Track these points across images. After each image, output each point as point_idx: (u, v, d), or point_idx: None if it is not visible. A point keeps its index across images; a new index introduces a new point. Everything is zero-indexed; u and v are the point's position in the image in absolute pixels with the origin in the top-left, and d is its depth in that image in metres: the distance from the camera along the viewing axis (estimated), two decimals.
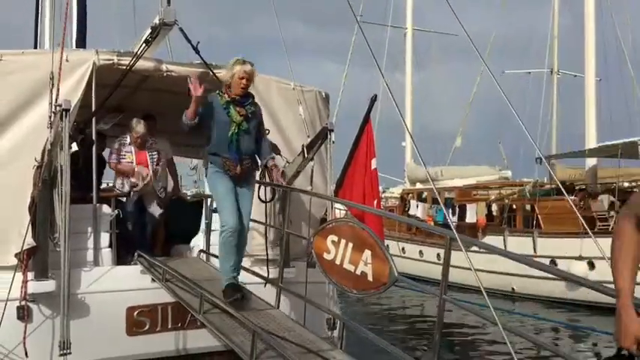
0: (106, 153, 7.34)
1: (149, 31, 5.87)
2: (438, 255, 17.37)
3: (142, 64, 5.97)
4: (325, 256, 4.35)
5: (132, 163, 6.65)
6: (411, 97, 28.40)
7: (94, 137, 6.26)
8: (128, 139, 6.71)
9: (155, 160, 6.79)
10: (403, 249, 20.96)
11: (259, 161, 5.24)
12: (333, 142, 5.86)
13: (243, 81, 4.97)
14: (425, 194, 23.15)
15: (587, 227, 5.62)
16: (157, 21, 5.80)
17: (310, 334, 4.50)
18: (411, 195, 23.88)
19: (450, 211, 19.61)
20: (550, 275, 11.96)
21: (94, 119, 6.20)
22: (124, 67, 5.84)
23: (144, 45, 5.85)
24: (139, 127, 6.69)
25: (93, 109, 5.99)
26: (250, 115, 5.08)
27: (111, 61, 5.83)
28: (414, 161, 26.62)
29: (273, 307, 4.98)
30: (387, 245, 21.60)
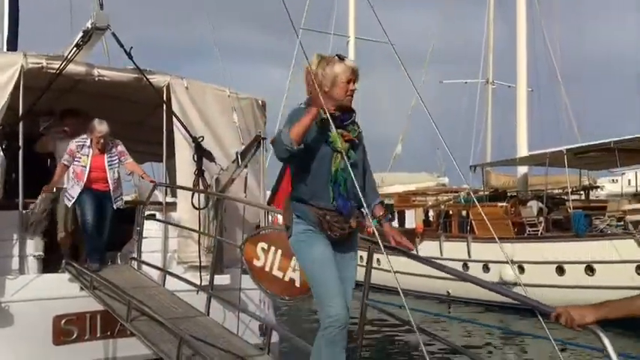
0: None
1: (80, 35, 5.82)
2: (378, 260, 17.66)
3: (73, 68, 5.90)
4: (255, 262, 4.43)
5: (85, 167, 6.06)
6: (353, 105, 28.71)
7: (20, 142, 6.10)
8: (88, 141, 6.12)
9: (115, 166, 6.23)
10: None
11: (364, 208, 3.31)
12: (267, 150, 5.93)
13: (351, 86, 3.23)
14: None
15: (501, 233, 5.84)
16: (89, 25, 5.76)
17: (239, 340, 4.55)
18: None
19: (390, 216, 19.99)
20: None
21: (21, 123, 6.04)
22: (54, 71, 5.74)
23: (75, 49, 5.79)
24: (102, 126, 6.09)
25: (20, 113, 5.85)
26: (357, 141, 3.32)
27: (39, 65, 5.74)
28: None
29: (203, 314, 5.00)
30: None
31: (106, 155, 6.17)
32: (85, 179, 5.99)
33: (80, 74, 6.07)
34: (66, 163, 6.09)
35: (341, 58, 3.25)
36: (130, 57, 5.96)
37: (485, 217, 9.77)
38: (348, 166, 3.12)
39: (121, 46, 5.92)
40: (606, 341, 2.29)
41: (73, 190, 6.01)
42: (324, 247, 3.17)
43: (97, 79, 6.14)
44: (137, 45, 6.03)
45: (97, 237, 6.00)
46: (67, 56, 5.75)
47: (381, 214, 3.42)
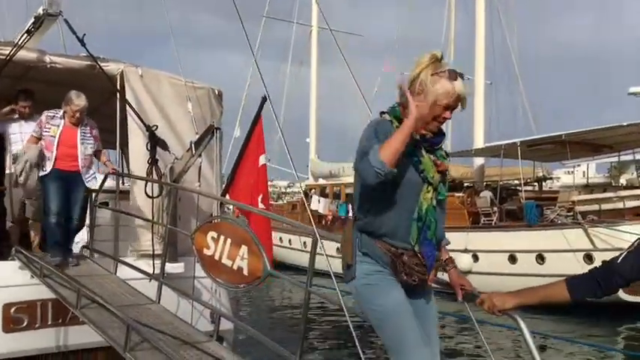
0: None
1: (32, 21, 5.76)
2: (337, 249, 17.86)
3: (24, 54, 5.83)
4: (205, 251, 4.50)
5: (54, 138, 5.70)
6: (315, 94, 28.89)
7: None
8: (60, 113, 5.82)
9: (89, 141, 5.90)
10: (304, 243, 21.38)
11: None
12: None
13: (447, 114, 2.61)
14: (327, 189, 23.70)
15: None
16: (40, 11, 5.70)
17: (189, 327, 4.63)
18: (313, 190, 24.35)
19: (350, 205, 20.24)
20: None
21: None
22: (4, 57, 5.67)
23: (25, 35, 5.73)
24: (80, 100, 5.78)
25: None
26: (446, 171, 2.74)
27: None
28: (317, 157, 27.13)
29: (154, 301, 5.06)
30: (290, 239, 22.04)
31: (79, 129, 5.85)
32: (54, 151, 5.66)
33: (32, 61, 6.01)
34: (34, 134, 5.79)
35: (453, 77, 2.56)
36: (83, 44, 5.92)
37: (459, 204, 10.06)
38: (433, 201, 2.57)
39: (74, 32, 5.88)
40: (522, 324, 2.49)
41: (44, 164, 5.70)
42: (401, 293, 2.58)
43: (49, 66, 6.07)
44: (98, 31, 6.01)
45: (60, 228, 5.73)
46: (17, 42, 5.68)
47: (447, 257, 2.88)
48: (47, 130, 5.74)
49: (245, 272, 4.16)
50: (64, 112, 5.80)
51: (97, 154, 6.10)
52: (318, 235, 3.33)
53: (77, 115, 5.79)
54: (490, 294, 2.55)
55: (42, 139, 5.78)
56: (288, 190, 38.22)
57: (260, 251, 4.07)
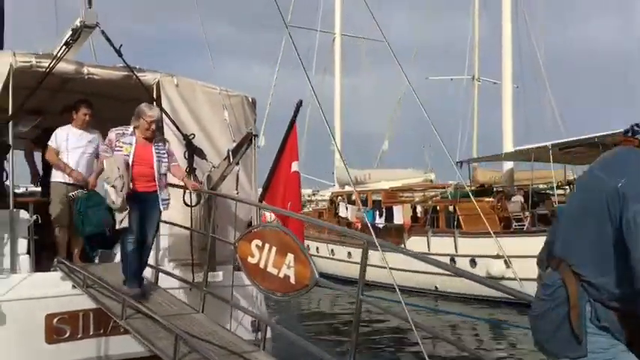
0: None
1: (70, 33, 5.79)
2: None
3: (63, 66, 5.86)
4: (249, 259, 4.46)
5: (128, 156, 5.20)
6: (340, 101, 28.85)
7: (10, 141, 6.06)
8: (130, 130, 5.35)
9: (164, 159, 5.38)
10: (332, 251, 21.27)
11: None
12: (259, 146, 5.95)
13: None
14: (354, 197, 23.59)
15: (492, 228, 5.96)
16: (78, 23, 5.73)
17: (233, 336, 4.59)
18: (340, 197, 24.25)
19: (377, 212, 20.10)
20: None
21: (10, 123, 6.00)
22: (43, 70, 5.71)
23: (64, 47, 5.76)
24: (153, 111, 5.35)
25: (10, 112, 5.81)
26: None
27: (29, 64, 5.70)
28: (342, 164, 27.04)
29: (197, 311, 5.02)
30: (317, 247, 21.95)
31: (153, 146, 5.35)
32: (129, 171, 5.17)
33: (70, 73, 6.04)
34: (106, 154, 5.29)
35: None
36: (120, 55, 5.93)
37: (490, 209, 9.84)
38: None
39: (111, 44, 5.89)
40: None
41: (121, 184, 5.04)
42: None
43: (86, 77, 6.10)
44: (124, 41, 5.98)
45: (140, 257, 5.29)
46: (56, 54, 5.71)
47: None
48: (119, 149, 5.26)
49: (292, 280, 4.10)
50: (135, 128, 5.37)
51: (172, 170, 5.60)
52: (377, 244, 3.25)
53: (152, 126, 5.35)
54: None
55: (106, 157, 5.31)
56: (313, 197, 38.13)
57: (307, 259, 4.01)
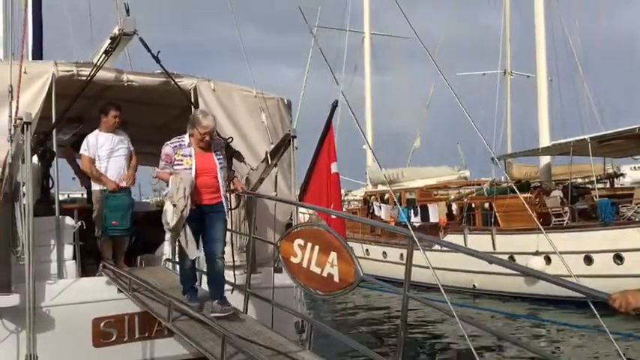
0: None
1: (109, 41, 5.89)
2: (402, 255, 17.65)
3: (103, 74, 5.96)
4: (292, 259, 4.45)
5: (190, 169, 4.96)
6: (370, 100, 28.77)
7: (54, 149, 6.20)
8: (186, 140, 5.11)
9: (223, 164, 5.19)
10: (367, 250, 21.19)
11: None
12: (296, 147, 5.95)
13: None
14: (387, 196, 23.48)
15: (539, 224, 5.84)
16: (116, 31, 5.83)
17: (279, 336, 4.59)
18: (373, 197, 24.16)
19: (412, 211, 19.97)
20: (508, 271, 12.32)
21: (54, 131, 6.14)
22: (84, 78, 5.82)
23: (103, 55, 5.86)
24: (208, 120, 5.02)
25: (53, 120, 5.94)
26: None
27: (70, 73, 5.82)
28: (375, 163, 26.97)
29: (241, 312, 5.05)
30: (352, 247, 21.86)
31: (213, 154, 5.11)
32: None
33: (109, 80, 6.15)
34: (166, 171, 5.04)
35: None
36: (158, 61, 6.01)
37: (527, 205, 9.65)
38: None
39: (149, 50, 5.97)
40: None
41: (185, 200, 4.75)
42: None
43: (126, 84, 6.21)
44: (157, 48, 6.01)
45: (195, 271, 5.16)
46: (96, 63, 5.82)
47: None
48: (179, 162, 4.98)
49: (336, 279, 4.08)
50: (190, 136, 5.09)
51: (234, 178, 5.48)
52: (414, 237, 3.21)
53: (206, 138, 5.02)
54: (624, 292, 2.39)
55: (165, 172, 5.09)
56: (345, 197, 38.10)
57: (351, 257, 3.99)
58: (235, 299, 5.37)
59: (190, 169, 4.97)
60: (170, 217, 4.75)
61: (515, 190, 7.28)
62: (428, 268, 4.27)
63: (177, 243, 5.09)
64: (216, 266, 5.04)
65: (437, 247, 7.04)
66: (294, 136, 5.73)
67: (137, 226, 6.45)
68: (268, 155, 5.84)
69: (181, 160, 4.99)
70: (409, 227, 4.22)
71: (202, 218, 4.99)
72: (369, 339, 11.10)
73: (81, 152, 6.28)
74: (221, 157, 5.15)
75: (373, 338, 11.23)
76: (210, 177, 5.07)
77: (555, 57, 21.34)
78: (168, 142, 5.14)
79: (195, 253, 4.92)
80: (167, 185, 5.07)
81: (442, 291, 3.11)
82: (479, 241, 16.39)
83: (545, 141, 19.14)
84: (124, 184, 6.23)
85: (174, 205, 4.71)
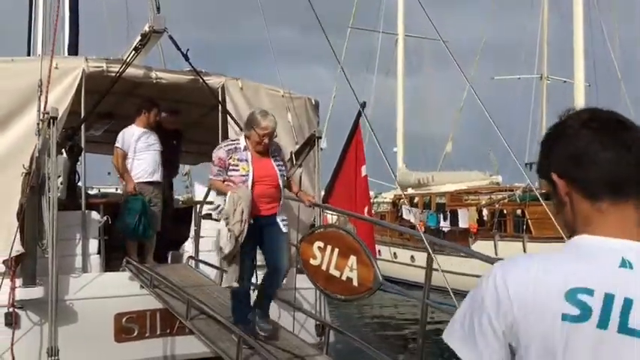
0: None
1: (139, 38, 5.93)
2: (412, 257, 17.46)
3: (132, 71, 6.01)
4: (311, 261, 4.40)
5: (247, 176, 4.42)
6: (402, 103, 28.55)
7: (82, 144, 6.27)
8: (242, 143, 4.58)
9: (284, 171, 4.64)
10: (395, 254, 21.00)
11: None
12: (322, 148, 5.90)
13: None
14: (416, 199, 23.25)
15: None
16: (146, 28, 5.87)
17: (296, 339, 4.55)
18: (402, 200, 23.96)
19: (442, 216, 19.71)
20: None
21: (82, 126, 6.22)
22: (114, 75, 5.87)
23: (133, 52, 5.91)
24: (267, 119, 4.48)
25: (82, 116, 6.02)
26: None
27: (100, 69, 5.87)
28: (405, 167, 26.75)
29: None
30: (379, 250, 21.76)
31: (272, 160, 4.57)
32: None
33: (139, 77, 6.19)
34: (219, 178, 4.51)
35: None
36: (187, 59, 6.03)
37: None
38: None
39: (178, 48, 6.00)
40: None
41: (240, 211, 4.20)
42: None
43: (154, 81, 6.24)
44: (187, 47, 6.04)
45: (248, 294, 4.60)
46: (126, 59, 5.86)
47: None
48: (235, 168, 4.43)
49: (355, 283, 4.02)
50: (246, 138, 4.58)
51: (292, 182, 5.05)
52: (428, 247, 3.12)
53: (265, 140, 4.47)
54: None
55: (219, 179, 4.54)
56: (374, 200, 37.94)
57: (371, 261, 3.93)
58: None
59: (247, 175, 4.42)
60: (224, 242, 4.23)
61: (539, 198, 7.03)
62: (451, 273, 4.15)
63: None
64: (279, 279, 4.57)
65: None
66: (320, 137, 5.68)
67: (164, 222, 6.49)
68: (293, 155, 5.80)
69: (237, 166, 4.42)
70: (421, 232, 4.13)
71: (260, 231, 4.47)
72: (388, 344, 10.96)
73: (116, 146, 6.35)
74: (281, 162, 4.63)
75: (392, 343, 11.09)
76: (270, 186, 4.51)
77: (594, 62, 20.84)
78: (222, 145, 4.64)
79: (232, 282, 4.38)
80: (217, 194, 4.63)
81: (452, 295, 3.00)
82: (509, 248, 16.07)
83: None
84: (156, 177, 6.31)
85: (230, 230, 4.19)
